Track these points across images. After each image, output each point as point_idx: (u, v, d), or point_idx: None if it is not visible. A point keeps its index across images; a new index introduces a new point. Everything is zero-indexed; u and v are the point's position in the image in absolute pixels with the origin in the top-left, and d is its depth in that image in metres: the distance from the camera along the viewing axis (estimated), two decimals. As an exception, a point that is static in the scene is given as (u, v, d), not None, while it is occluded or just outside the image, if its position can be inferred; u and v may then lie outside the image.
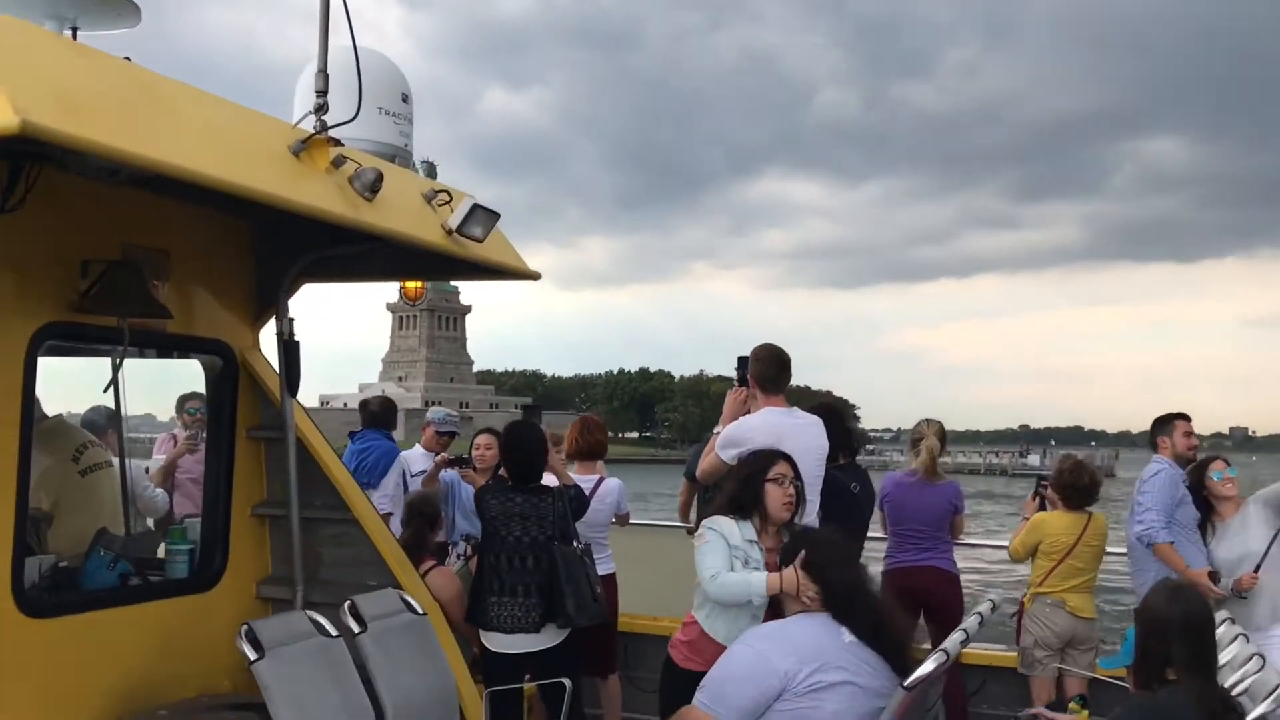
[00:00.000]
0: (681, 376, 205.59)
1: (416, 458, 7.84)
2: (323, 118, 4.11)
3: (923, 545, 6.96)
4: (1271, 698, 3.85)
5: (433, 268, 5.35)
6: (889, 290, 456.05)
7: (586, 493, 6.50)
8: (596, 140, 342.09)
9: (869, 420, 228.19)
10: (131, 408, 5.88)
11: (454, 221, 4.59)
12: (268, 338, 5.18)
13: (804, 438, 5.37)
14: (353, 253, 4.76)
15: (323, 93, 4.16)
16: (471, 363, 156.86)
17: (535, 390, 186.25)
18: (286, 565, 5.16)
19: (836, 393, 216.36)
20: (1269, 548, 6.17)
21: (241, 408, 5.12)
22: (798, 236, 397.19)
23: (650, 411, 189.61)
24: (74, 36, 4.14)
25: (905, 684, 3.91)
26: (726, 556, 4.57)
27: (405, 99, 5.01)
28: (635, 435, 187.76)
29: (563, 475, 5.98)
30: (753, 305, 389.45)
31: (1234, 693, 4.08)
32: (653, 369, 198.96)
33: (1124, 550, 6.75)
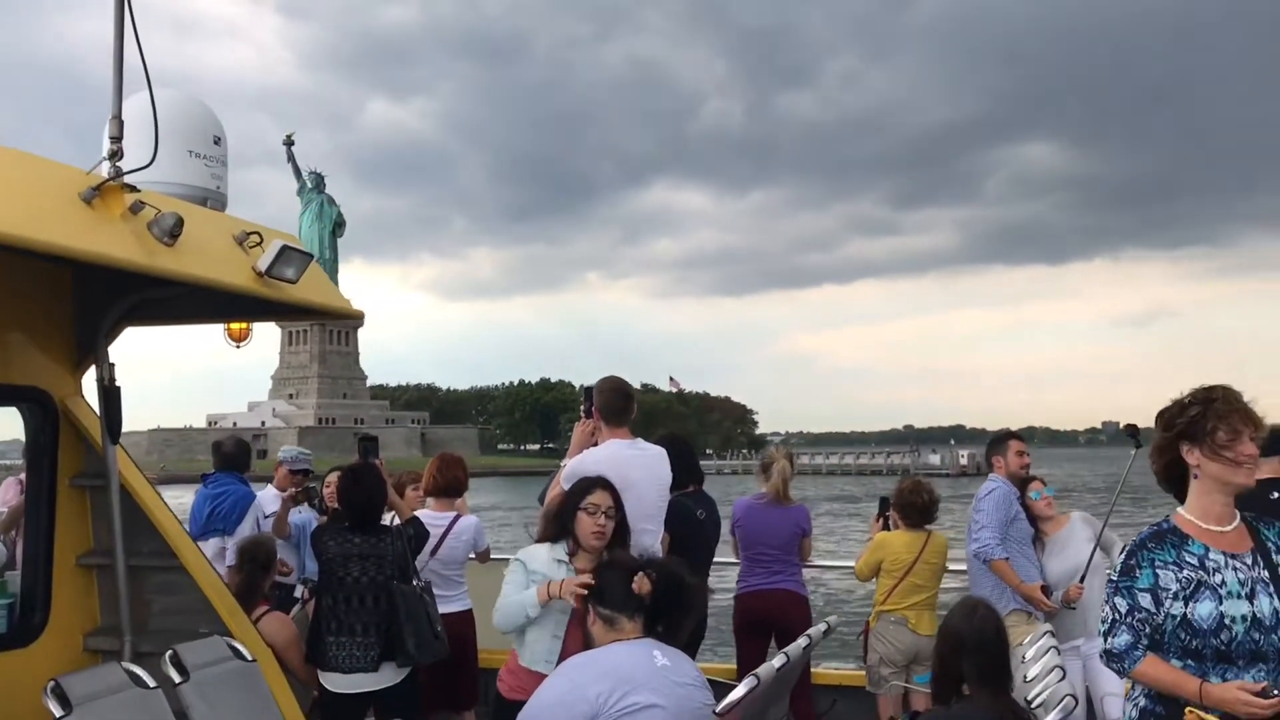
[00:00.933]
0: (583, 386, 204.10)
1: (269, 499, 7.76)
2: (117, 164, 4.10)
3: (773, 568, 7.14)
4: (1059, 708, 4.08)
5: (251, 310, 5.34)
6: (775, 296, 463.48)
7: (441, 531, 6.55)
8: (484, 151, 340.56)
9: (766, 424, 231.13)
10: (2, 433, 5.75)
11: (263, 263, 4.59)
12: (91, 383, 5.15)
13: (647, 468, 5.48)
14: (163, 297, 4.74)
15: (116, 139, 4.15)
16: (365, 378, 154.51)
17: (430, 404, 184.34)
18: (114, 616, 5.11)
19: (734, 398, 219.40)
20: (1089, 560, 6.50)
21: (63, 456, 5.06)
22: (687, 245, 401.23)
23: (553, 422, 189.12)
24: None
25: (717, 709, 4.05)
26: (521, 586, 4.71)
27: (217, 141, 5.00)
28: (537, 447, 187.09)
29: (402, 511, 6.02)
30: (645, 314, 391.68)
31: (1035, 704, 4.32)
32: (553, 379, 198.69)
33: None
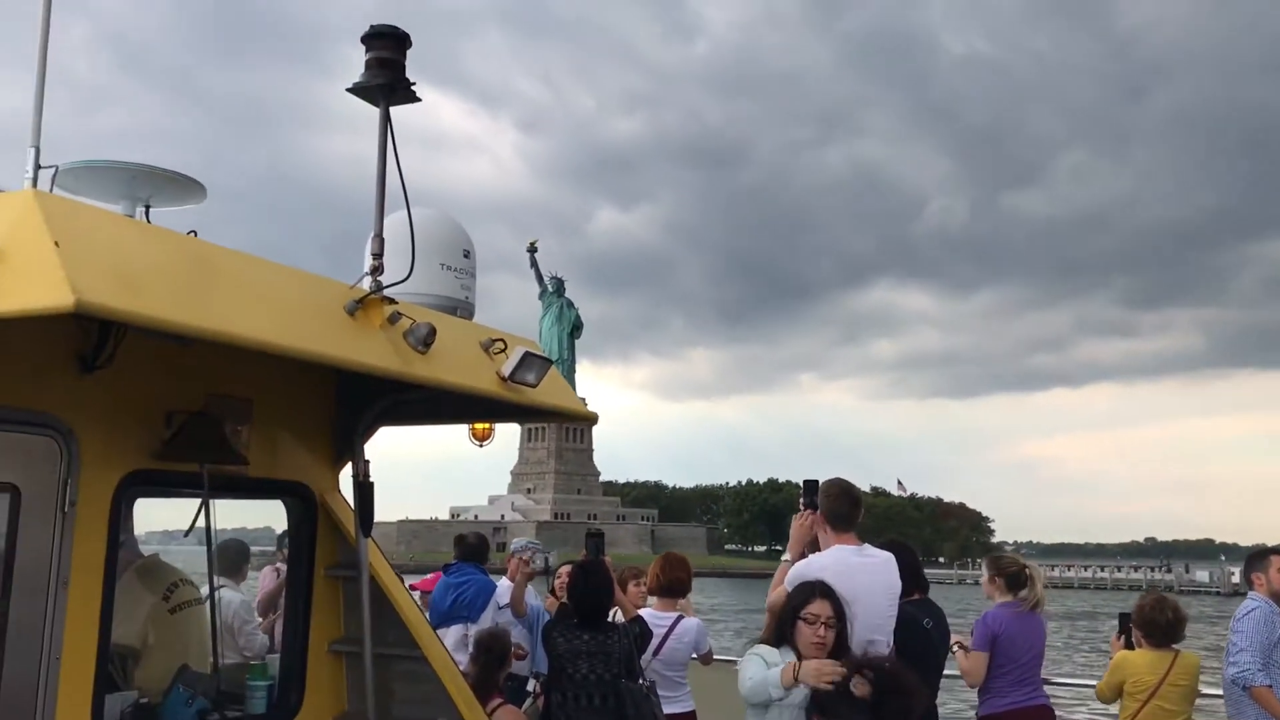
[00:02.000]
0: (805, 480, 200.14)
1: (504, 590, 8.02)
2: (378, 279, 4.43)
3: (1033, 681, 6.72)
4: None
5: (494, 412, 5.59)
6: (1002, 400, 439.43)
7: (664, 631, 6.58)
8: (703, 254, 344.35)
9: (1003, 533, 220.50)
10: (259, 520, 6.23)
11: (507, 369, 4.85)
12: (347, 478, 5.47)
13: (875, 576, 5.37)
14: (416, 399, 5.01)
15: (378, 255, 4.49)
16: (598, 474, 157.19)
17: (658, 502, 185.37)
18: (361, 701, 5.34)
19: (969, 505, 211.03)
20: None
21: (320, 547, 5.37)
22: (908, 346, 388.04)
23: (781, 523, 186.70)
24: (147, 215, 4.56)
25: None
26: (763, 669, 4.69)
27: (467, 254, 5.31)
28: (765, 549, 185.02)
29: (627, 609, 6.09)
30: (861, 415, 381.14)
31: None
32: (780, 479, 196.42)
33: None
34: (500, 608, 7.79)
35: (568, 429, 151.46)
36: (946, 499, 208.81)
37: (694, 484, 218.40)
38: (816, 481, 5.64)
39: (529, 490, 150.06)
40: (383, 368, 4.26)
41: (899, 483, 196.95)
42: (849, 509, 5.48)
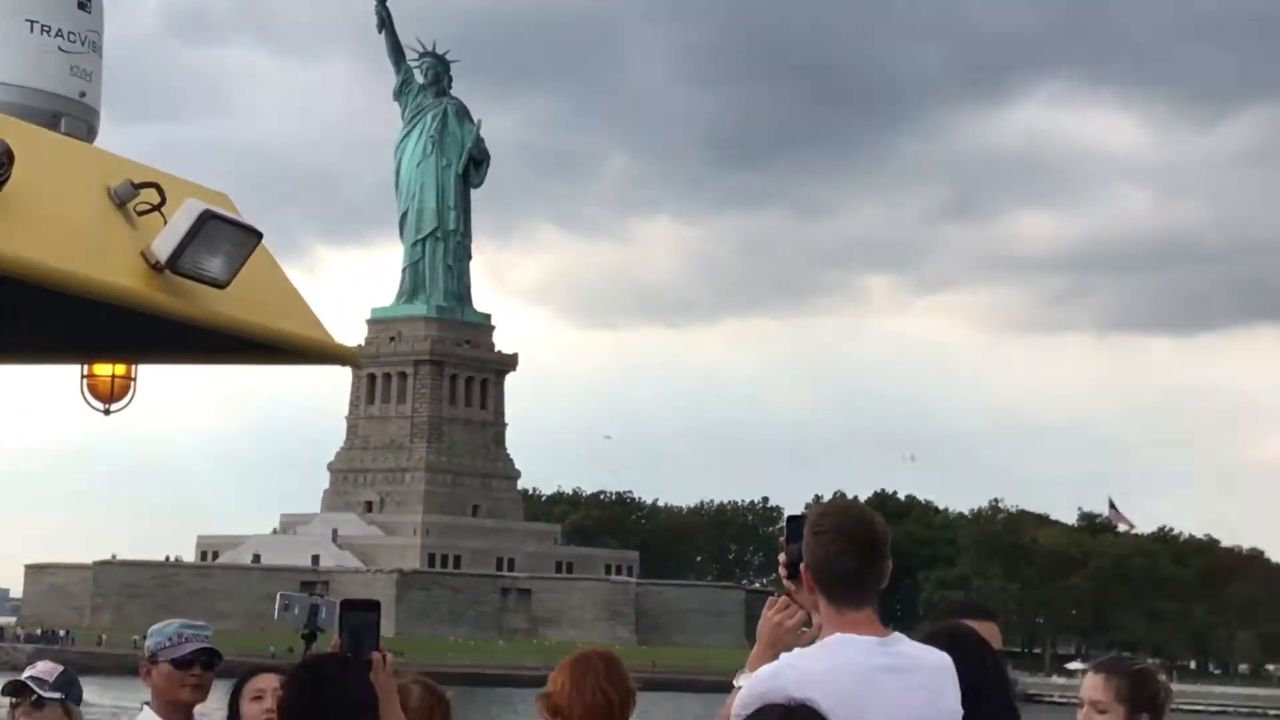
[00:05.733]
0: (955, 513, 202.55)
1: None
2: None
3: None
4: None
5: (137, 338, 5.75)
6: (1268, 332, 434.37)
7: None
8: (669, 20, 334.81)
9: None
10: None
11: (165, 245, 4.90)
12: None
13: (910, 698, 5.57)
14: None
15: None
16: (516, 476, 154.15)
17: (627, 534, 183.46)
18: None
19: (1269, 554, 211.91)
20: None
21: None
22: (1087, 223, 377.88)
23: (903, 590, 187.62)
24: None
25: None
26: None
27: (84, 4, 5.39)
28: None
29: None
30: (1000, 364, 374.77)
31: None
32: (897, 493, 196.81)
33: None
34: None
35: (454, 376, 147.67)
36: (1224, 539, 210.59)
37: (697, 500, 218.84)
38: (800, 518, 5.82)
39: (370, 505, 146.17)
40: None
41: (1111, 506, 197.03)
42: (857, 563, 5.66)
